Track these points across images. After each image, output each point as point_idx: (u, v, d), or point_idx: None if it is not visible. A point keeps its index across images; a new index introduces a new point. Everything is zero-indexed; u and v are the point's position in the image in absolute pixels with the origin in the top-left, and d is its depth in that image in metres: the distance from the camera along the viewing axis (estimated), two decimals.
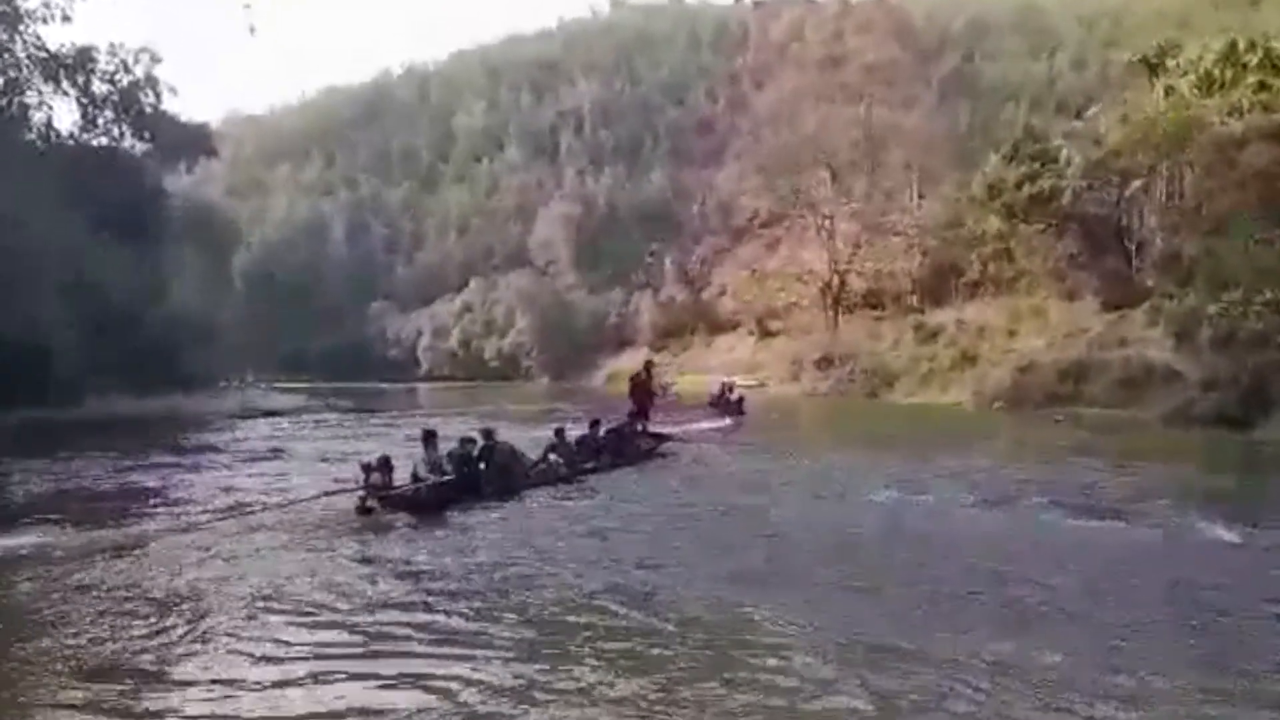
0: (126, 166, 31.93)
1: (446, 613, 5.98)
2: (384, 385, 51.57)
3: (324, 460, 14.53)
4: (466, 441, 10.38)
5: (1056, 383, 25.51)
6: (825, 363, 36.94)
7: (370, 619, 5.87)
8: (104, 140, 32.18)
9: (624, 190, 67.03)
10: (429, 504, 9.29)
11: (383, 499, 9.03)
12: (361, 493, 9.00)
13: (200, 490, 11.43)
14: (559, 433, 12.30)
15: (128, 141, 32.91)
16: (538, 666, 4.96)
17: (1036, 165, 33.29)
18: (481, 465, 10.40)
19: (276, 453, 16.15)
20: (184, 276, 36.53)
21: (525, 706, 4.43)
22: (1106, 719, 4.31)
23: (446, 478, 9.67)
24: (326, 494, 9.50)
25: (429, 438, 10.09)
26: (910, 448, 17.05)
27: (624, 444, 13.22)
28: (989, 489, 11.15)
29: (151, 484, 12.07)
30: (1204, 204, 26.99)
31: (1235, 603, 6.27)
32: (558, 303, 62.15)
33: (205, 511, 9.52)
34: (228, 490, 11.34)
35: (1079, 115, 37.77)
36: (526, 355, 61.96)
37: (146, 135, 32.87)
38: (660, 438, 14.63)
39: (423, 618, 5.90)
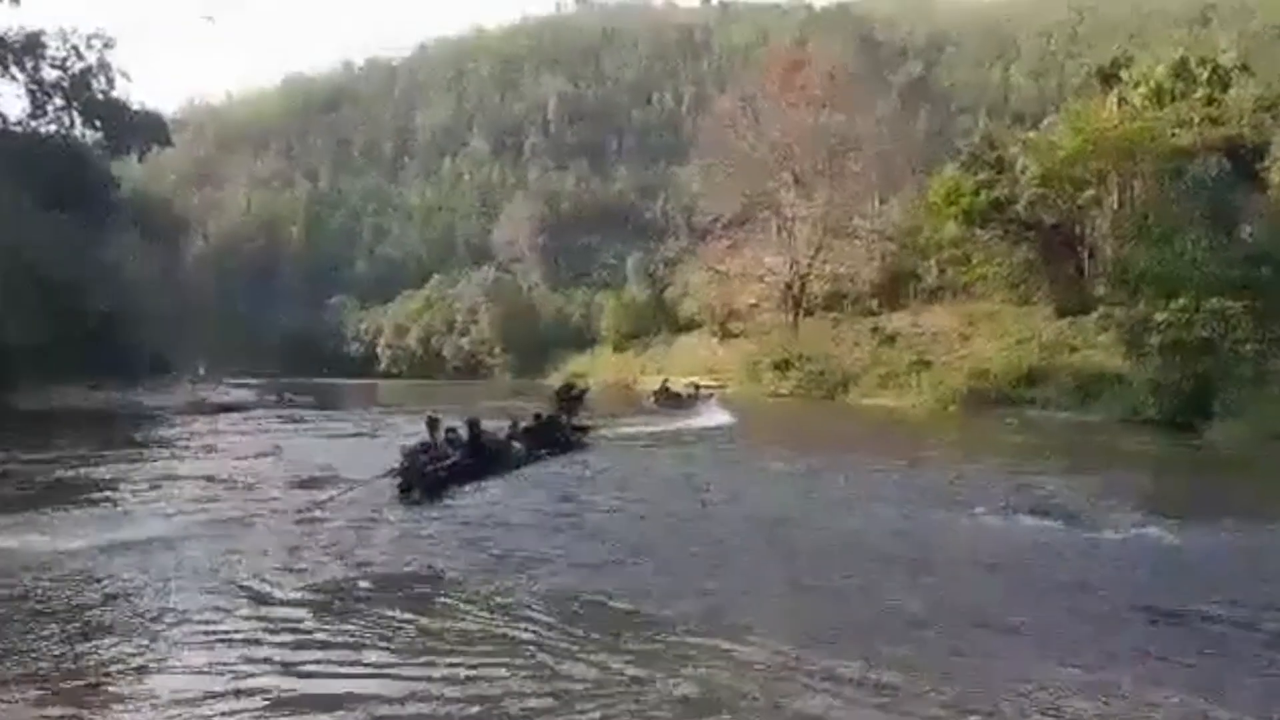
0: (76, 154, 31.08)
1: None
2: (342, 381, 50.56)
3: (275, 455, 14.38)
4: (450, 431, 11.46)
5: (1011, 386, 26.01)
6: (785, 364, 37.14)
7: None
8: (53, 128, 31.31)
9: (588, 189, 66.85)
10: (444, 486, 10.48)
11: (413, 486, 10.17)
12: (400, 479, 10.15)
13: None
14: (515, 424, 13.83)
15: (78, 129, 32.07)
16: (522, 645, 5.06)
17: (993, 173, 33.68)
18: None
19: (211, 451, 15.98)
20: (135, 265, 35.64)
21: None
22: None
23: (456, 461, 10.80)
24: (384, 475, 10.48)
25: (433, 424, 11.25)
26: (865, 449, 17.29)
27: (560, 434, 15.11)
28: (934, 491, 11.35)
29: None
30: (1153, 213, 27.63)
31: (1171, 604, 6.44)
32: (520, 300, 61.80)
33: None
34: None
35: (1035, 125, 38.43)
36: (489, 353, 61.51)
37: (98, 123, 32.04)
38: (585, 430, 16.72)
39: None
